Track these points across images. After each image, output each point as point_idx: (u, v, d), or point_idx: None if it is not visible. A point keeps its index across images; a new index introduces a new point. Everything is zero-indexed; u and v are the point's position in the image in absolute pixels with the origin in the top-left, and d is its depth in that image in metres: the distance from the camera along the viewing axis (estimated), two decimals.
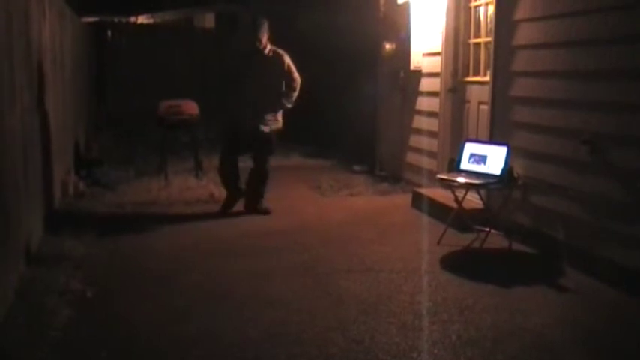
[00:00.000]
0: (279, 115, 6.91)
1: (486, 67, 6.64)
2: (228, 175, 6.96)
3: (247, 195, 7.01)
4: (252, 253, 5.59)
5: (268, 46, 6.79)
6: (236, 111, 6.87)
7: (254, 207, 6.95)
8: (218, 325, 4.07)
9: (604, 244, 4.83)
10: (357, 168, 9.45)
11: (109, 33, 14.51)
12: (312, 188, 8.38)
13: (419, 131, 7.94)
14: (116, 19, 14.70)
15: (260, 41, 6.69)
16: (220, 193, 7.67)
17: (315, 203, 7.63)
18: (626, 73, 4.64)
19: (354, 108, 10.50)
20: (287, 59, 6.86)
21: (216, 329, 4.00)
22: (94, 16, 13.19)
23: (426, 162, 7.70)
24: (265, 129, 6.78)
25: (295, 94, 6.89)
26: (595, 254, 4.89)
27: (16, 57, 4.71)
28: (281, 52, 6.88)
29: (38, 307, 4.17)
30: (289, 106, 6.89)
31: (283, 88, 6.85)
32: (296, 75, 6.89)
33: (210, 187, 7.83)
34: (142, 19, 15.35)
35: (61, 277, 4.75)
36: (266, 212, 6.93)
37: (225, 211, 6.93)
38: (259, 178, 7.01)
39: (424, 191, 7.19)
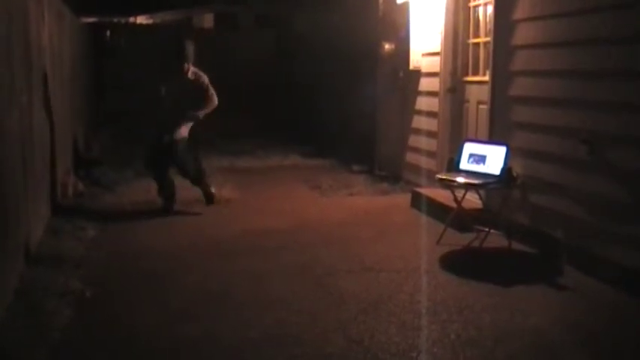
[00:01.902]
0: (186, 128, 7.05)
1: (485, 67, 6.64)
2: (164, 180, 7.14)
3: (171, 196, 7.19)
4: (252, 253, 5.59)
5: (191, 69, 6.92)
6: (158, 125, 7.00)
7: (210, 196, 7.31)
8: (218, 325, 4.07)
9: (603, 244, 4.83)
10: (356, 168, 9.45)
11: (108, 33, 14.50)
12: (311, 188, 8.38)
13: (418, 131, 7.94)
14: (115, 20, 14.69)
15: (184, 65, 6.82)
16: (219, 193, 7.68)
17: (315, 203, 7.63)
18: (625, 72, 4.63)
19: (353, 108, 10.51)
20: (205, 81, 7.00)
21: (216, 330, 4.00)
22: (93, 16, 13.17)
23: (425, 162, 7.70)
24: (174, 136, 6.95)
25: (205, 111, 7.03)
26: (595, 254, 4.89)
27: (15, 58, 4.71)
28: (201, 73, 7.02)
29: (37, 308, 4.17)
30: (196, 117, 7.01)
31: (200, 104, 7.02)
32: (212, 92, 7.02)
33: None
34: (140, 20, 15.34)
35: (60, 277, 4.76)
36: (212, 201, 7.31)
37: (169, 209, 7.06)
38: (195, 179, 7.23)
39: (423, 191, 7.19)
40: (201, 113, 7.00)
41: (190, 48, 6.89)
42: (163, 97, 6.92)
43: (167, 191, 7.13)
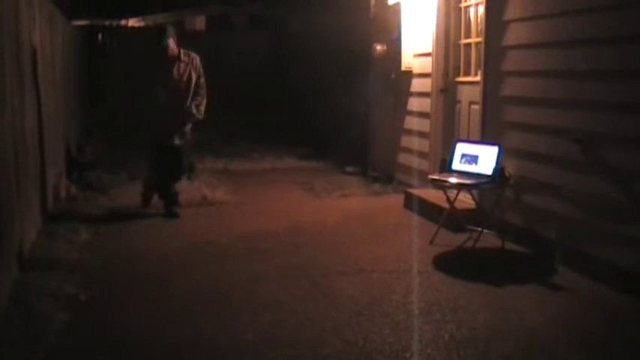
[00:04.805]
0: (189, 127, 6.93)
1: (477, 68, 6.66)
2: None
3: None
4: (247, 256, 5.59)
5: (182, 51, 6.79)
6: (155, 120, 6.80)
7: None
8: (214, 328, 4.07)
9: (597, 243, 4.85)
10: (349, 169, 9.47)
11: (100, 36, 14.49)
12: (305, 190, 8.39)
13: (410, 132, 7.96)
14: (107, 23, 14.68)
15: (168, 48, 6.67)
16: (213, 194, 7.68)
17: (309, 205, 7.64)
18: (617, 72, 4.66)
19: (346, 109, 10.52)
20: (198, 62, 6.88)
21: (213, 332, 4.00)
22: (84, 19, 13.16)
23: (417, 162, 7.73)
24: (178, 141, 6.82)
25: (204, 104, 6.87)
26: (588, 253, 4.91)
27: (6, 60, 4.70)
28: (193, 54, 6.90)
29: (32, 312, 4.16)
30: (199, 117, 6.88)
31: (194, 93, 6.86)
32: (203, 80, 6.89)
33: (202, 189, 7.84)
34: (132, 22, 15.33)
35: (54, 281, 4.75)
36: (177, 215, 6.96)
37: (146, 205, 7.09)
38: (173, 185, 7.04)
39: (416, 192, 7.21)
40: (201, 111, 6.84)
41: (170, 28, 6.74)
42: (159, 86, 6.68)
43: (151, 191, 7.06)
